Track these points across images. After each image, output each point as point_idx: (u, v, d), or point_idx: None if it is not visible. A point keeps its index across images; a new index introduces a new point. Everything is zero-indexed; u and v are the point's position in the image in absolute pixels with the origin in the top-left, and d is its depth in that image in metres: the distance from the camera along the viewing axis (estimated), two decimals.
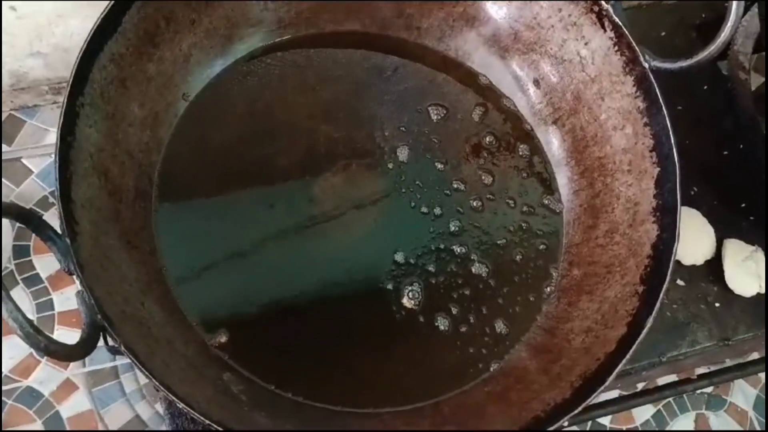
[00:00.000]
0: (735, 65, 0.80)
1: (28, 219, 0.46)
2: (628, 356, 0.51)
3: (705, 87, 0.79)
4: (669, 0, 0.81)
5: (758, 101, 0.80)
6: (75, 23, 0.86)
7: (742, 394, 0.99)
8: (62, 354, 0.41)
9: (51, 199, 0.93)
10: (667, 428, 0.97)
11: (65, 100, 0.51)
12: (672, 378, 0.84)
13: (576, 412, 0.49)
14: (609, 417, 0.95)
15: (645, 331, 0.51)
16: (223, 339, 0.55)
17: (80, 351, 0.43)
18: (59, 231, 0.49)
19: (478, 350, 0.58)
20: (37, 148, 0.96)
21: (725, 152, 0.77)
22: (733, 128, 0.78)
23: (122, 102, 0.57)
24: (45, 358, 0.87)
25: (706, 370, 0.79)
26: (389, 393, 0.56)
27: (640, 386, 0.89)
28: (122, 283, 0.52)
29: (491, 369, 0.58)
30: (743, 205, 0.75)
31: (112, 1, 0.54)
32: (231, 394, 0.52)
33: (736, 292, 0.70)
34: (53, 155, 0.95)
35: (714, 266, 0.72)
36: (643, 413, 0.97)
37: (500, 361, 0.58)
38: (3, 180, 0.93)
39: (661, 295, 0.52)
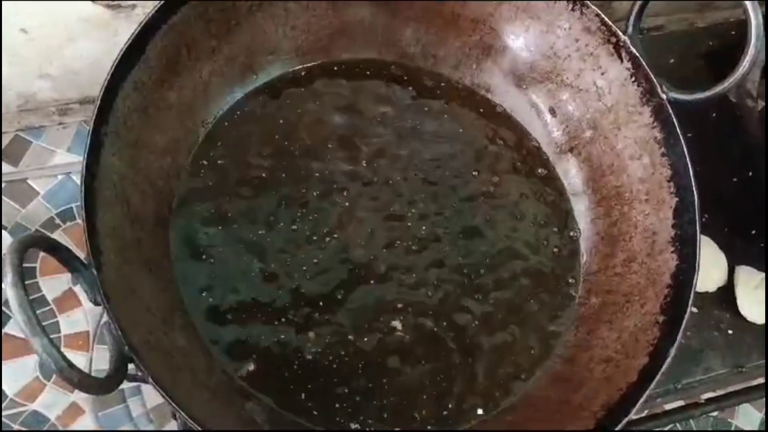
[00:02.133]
0: (743, 93, 0.81)
1: (56, 250, 0.45)
2: (651, 386, 0.51)
3: (714, 114, 0.80)
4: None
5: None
6: (85, 46, 0.86)
7: (748, 418, 1.00)
8: (95, 388, 0.41)
9: (57, 221, 0.93)
10: None
11: (91, 130, 0.51)
12: (679, 402, 0.84)
13: None
14: None
15: (668, 361, 0.52)
16: (251, 368, 0.55)
17: (112, 383, 0.43)
18: (84, 261, 0.48)
19: (498, 380, 0.58)
20: (43, 169, 0.96)
21: (734, 179, 0.78)
22: (742, 155, 0.79)
23: (144, 130, 0.57)
24: (51, 381, 0.87)
25: (713, 394, 0.79)
26: (409, 424, 0.56)
27: (646, 411, 0.89)
28: (146, 313, 0.52)
29: (512, 399, 0.58)
30: (753, 231, 0.75)
31: (137, 30, 0.54)
32: (254, 424, 0.52)
33: (748, 320, 0.71)
34: (60, 176, 0.96)
35: (726, 293, 0.72)
36: None
37: (521, 390, 0.58)
38: (9, 201, 0.93)
39: (683, 325, 0.53)
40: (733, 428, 0.99)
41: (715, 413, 0.96)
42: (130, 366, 0.48)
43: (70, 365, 0.39)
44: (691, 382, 0.68)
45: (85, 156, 0.50)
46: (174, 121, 0.60)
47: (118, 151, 0.54)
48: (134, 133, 0.56)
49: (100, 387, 0.41)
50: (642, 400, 0.50)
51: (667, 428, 0.96)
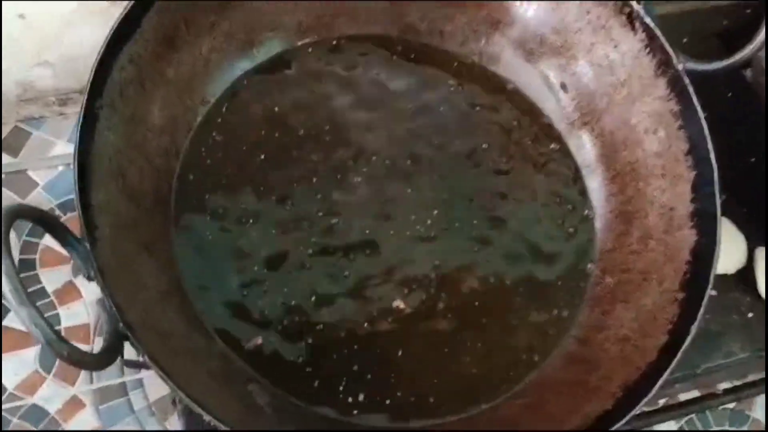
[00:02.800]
0: (758, 72, 0.79)
1: (48, 222, 0.44)
2: (673, 364, 0.48)
3: (729, 94, 0.78)
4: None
5: None
6: (84, 32, 0.85)
7: (764, 409, 0.97)
8: (86, 363, 0.39)
9: (57, 212, 0.91)
10: None
11: (84, 101, 0.49)
12: (694, 393, 0.81)
13: (621, 424, 0.47)
14: None
15: (689, 339, 0.49)
16: (259, 341, 0.53)
17: (104, 359, 0.41)
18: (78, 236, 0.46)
19: (510, 362, 0.56)
20: (43, 160, 0.94)
21: (752, 159, 0.75)
22: (758, 134, 0.77)
23: (141, 105, 0.55)
24: (51, 374, 0.85)
25: (730, 385, 0.77)
26: (418, 408, 0.54)
27: (662, 402, 0.87)
28: (142, 291, 0.50)
29: (525, 381, 0.55)
30: None
31: (131, 3, 0.52)
32: (257, 408, 0.50)
33: None
34: (60, 167, 0.95)
35: (746, 275, 0.70)
36: (665, 427, 0.95)
37: (534, 372, 0.56)
38: (9, 193, 0.91)
39: (705, 301, 0.50)
40: (750, 422, 0.96)
41: (732, 404, 0.94)
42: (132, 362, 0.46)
43: (60, 338, 0.37)
44: (711, 367, 0.66)
45: (79, 128, 0.48)
46: (172, 98, 0.58)
47: (114, 126, 0.52)
48: (130, 108, 0.54)
49: (92, 362, 0.39)
50: (662, 378, 0.48)
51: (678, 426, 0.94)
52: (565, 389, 0.54)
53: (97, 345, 0.87)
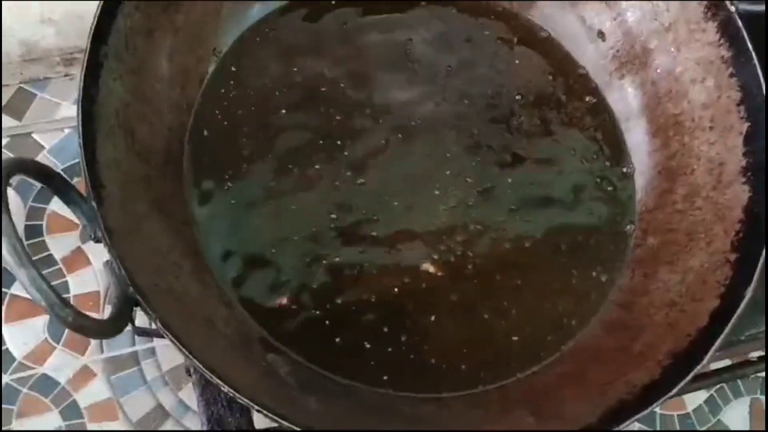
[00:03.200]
0: None
1: (50, 178, 0.40)
2: (727, 330, 0.45)
3: None
4: None
5: None
6: None
7: None
8: (93, 330, 0.36)
9: (64, 176, 0.88)
10: (721, 414, 0.91)
11: (87, 47, 0.45)
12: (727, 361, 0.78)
13: (671, 394, 0.43)
14: None
15: (745, 301, 0.46)
16: (284, 301, 0.50)
17: (112, 327, 0.37)
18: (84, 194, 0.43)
19: (546, 329, 0.53)
20: (49, 123, 0.91)
21: None
22: None
23: (149, 55, 0.51)
24: (60, 343, 0.82)
25: (764, 353, 0.73)
26: (450, 376, 0.50)
27: None
28: (155, 254, 0.46)
29: (562, 349, 0.52)
30: None
31: None
32: (277, 377, 0.47)
33: None
34: (66, 129, 0.91)
35: None
36: (695, 398, 0.92)
37: (571, 340, 0.52)
38: (14, 157, 0.88)
39: (761, 262, 0.47)
40: None
41: (762, 373, 0.91)
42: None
43: (64, 302, 0.33)
44: (755, 333, 0.62)
45: (82, 77, 0.44)
46: (183, 48, 0.54)
47: (121, 77, 0.48)
48: (138, 58, 0.50)
49: (99, 329, 0.36)
50: (716, 345, 0.44)
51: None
52: (606, 357, 0.50)
53: (107, 313, 0.84)
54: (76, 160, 0.90)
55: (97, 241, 0.42)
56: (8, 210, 0.33)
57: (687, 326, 0.48)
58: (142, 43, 0.51)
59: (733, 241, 0.50)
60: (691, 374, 0.44)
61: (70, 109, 0.93)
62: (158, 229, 0.48)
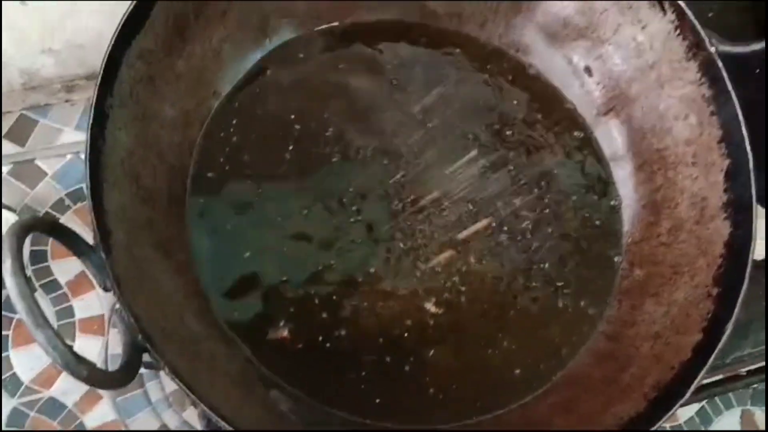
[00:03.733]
0: None
1: (60, 232, 0.42)
2: (708, 365, 0.47)
3: (757, 71, 0.75)
4: None
5: None
6: (88, 18, 0.82)
7: None
8: (106, 382, 0.38)
9: (67, 202, 0.90)
10: (713, 425, 0.93)
11: (94, 101, 0.47)
12: (719, 375, 0.80)
13: (655, 427, 0.45)
14: None
15: (725, 337, 0.48)
16: (285, 333, 0.52)
17: (125, 376, 0.39)
18: (92, 243, 0.45)
19: (536, 359, 0.55)
20: (51, 149, 0.93)
21: None
22: None
23: (152, 102, 0.53)
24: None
25: (754, 367, 0.75)
26: (446, 408, 0.53)
27: None
28: (160, 297, 0.48)
29: (554, 378, 0.54)
30: None
31: None
32: (279, 413, 0.49)
33: None
34: (67, 156, 0.93)
35: None
36: (687, 410, 0.94)
37: (562, 370, 0.54)
38: (17, 183, 0.90)
39: (741, 298, 0.49)
40: None
41: (755, 385, 0.93)
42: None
43: (78, 358, 0.35)
44: (740, 356, 0.64)
45: (89, 130, 0.46)
46: (184, 92, 0.56)
47: (125, 125, 0.50)
48: (141, 105, 0.52)
49: (113, 380, 0.38)
50: (698, 380, 0.47)
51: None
52: (596, 388, 0.52)
53: (111, 336, 0.86)
54: (79, 185, 0.91)
55: (106, 290, 0.43)
56: (24, 272, 0.35)
57: (671, 359, 0.50)
58: (144, 90, 0.52)
59: (715, 276, 0.52)
60: (675, 408, 0.46)
61: (71, 135, 0.94)
62: (162, 271, 0.50)
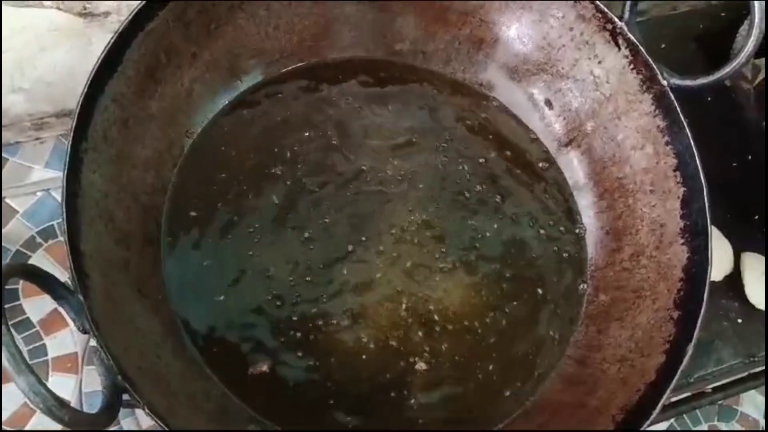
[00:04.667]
0: (738, 75, 0.79)
1: (38, 277, 0.43)
2: (671, 386, 0.49)
3: (709, 99, 0.78)
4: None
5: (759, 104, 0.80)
6: (58, 56, 0.83)
7: (753, 403, 0.98)
8: (87, 424, 0.38)
9: (38, 239, 0.89)
10: None
11: (69, 147, 0.48)
12: (686, 393, 0.82)
13: None
14: None
15: (686, 358, 0.50)
16: (265, 368, 0.53)
17: (106, 418, 0.40)
18: (69, 285, 0.45)
19: (507, 387, 0.56)
20: (21, 187, 0.92)
21: (734, 164, 0.76)
22: (739, 139, 0.77)
23: (125, 143, 0.54)
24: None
25: (720, 383, 0.78)
26: None
27: None
28: (137, 337, 0.49)
29: (526, 404, 0.55)
30: (757, 217, 0.74)
31: (113, 39, 0.51)
32: None
33: (757, 307, 0.69)
34: (39, 193, 0.93)
35: (733, 282, 0.70)
36: (656, 428, 0.96)
37: (533, 396, 0.56)
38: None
39: (700, 320, 0.51)
40: (738, 416, 0.98)
41: (721, 401, 0.95)
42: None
43: (60, 403, 0.36)
44: (703, 375, 0.66)
45: (64, 176, 0.47)
46: (156, 133, 0.57)
47: (99, 168, 0.51)
48: (115, 148, 0.53)
49: (93, 423, 0.38)
50: (662, 400, 0.48)
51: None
52: (566, 412, 0.54)
53: (85, 374, 0.86)
54: (50, 223, 0.91)
55: (85, 332, 0.44)
56: (6, 320, 0.36)
57: (637, 381, 0.52)
58: (118, 133, 0.53)
59: (675, 299, 0.54)
60: (642, 428, 0.47)
61: (41, 173, 0.94)
62: (139, 310, 0.51)
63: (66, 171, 0.47)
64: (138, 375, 0.45)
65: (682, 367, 0.50)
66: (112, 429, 0.83)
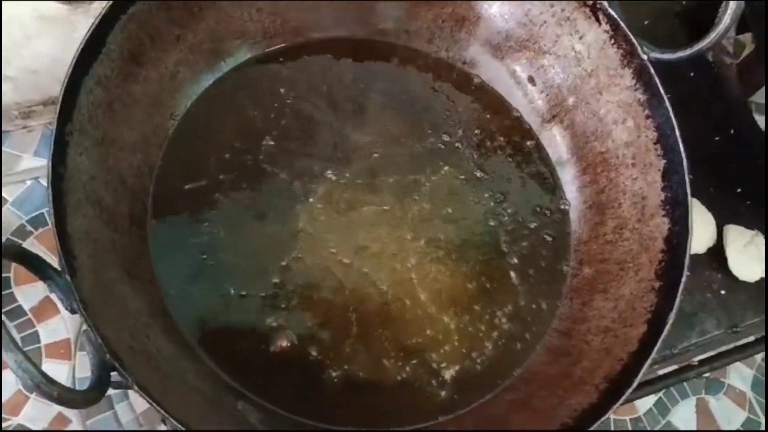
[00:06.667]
0: (720, 50, 0.80)
1: (28, 260, 0.43)
2: (653, 354, 0.50)
3: (692, 74, 0.79)
4: None
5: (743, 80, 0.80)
6: (43, 44, 0.83)
7: (739, 375, 1.00)
8: (78, 401, 0.39)
9: (29, 227, 0.90)
10: (670, 415, 0.97)
11: (54, 129, 0.48)
12: (673, 366, 0.84)
13: (606, 416, 0.48)
14: None
15: (667, 327, 0.51)
16: (285, 343, 0.54)
17: (95, 395, 0.41)
18: (58, 268, 0.46)
19: (494, 358, 0.57)
20: (11, 176, 0.93)
21: (717, 138, 0.77)
22: (722, 113, 0.78)
23: (111, 126, 0.54)
24: (34, 393, 0.84)
25: (706, 356, 0.79)
26: (409, 411, 0.54)
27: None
28: (126, 317, 0.50)
29: (514, 374, 0.56)
30: (739, 190, 0.75)
31: (96, 22, 0.51)
32: (249, 425, 0.50)
33: (740, 279, 0.70)
34: (27, 182, 0.93)
35: (716, 254, 0.71)
36: (645, 402, 0.97)
37: (519, 367, 0.57)
38: None
39: (680, 290, 0.52)
40: (725, 389, 0.99)
41: (708, 374, 0.97)
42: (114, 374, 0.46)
43: (49, 380, 0.37)
44: (687, 346, 0.67)
45: (50, 158, 0.47)
46: (142, 116, 0.57)
47: (85, 150, 0.51)
48: (101, 131, 0.53)
49: (82, 400, 0.39)
50: (644, 369, 0.49)
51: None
52: (551, 383, 0.55)
53: (78, 360, 0.86)
54: (40, 211, 0.91)
55: (73, 312, 0.45)
56: None
57: (620, 351, 0.53)
58: (104, 116, 0.54)
59: (656, 270, 0.55)
60: (624, 397, 0.48)
61: (30, 161, 0.94)
62: (128, 291, 0.51)
63: (52, 153, 0.47)
64: (128, 354, 0.46)
65: (663, 336, 0.50)
66: (107, 413, 0.84)
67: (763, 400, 0.98)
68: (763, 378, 0.99)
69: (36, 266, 0.44)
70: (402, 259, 0.59)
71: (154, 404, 0.43)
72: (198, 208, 0.58)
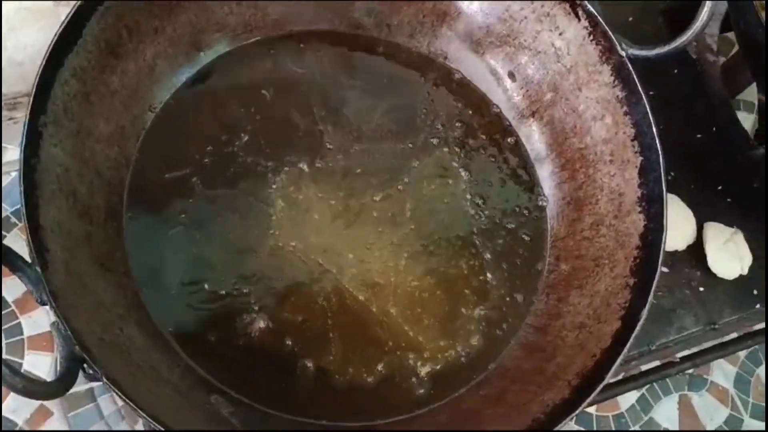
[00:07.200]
0: (703, 48, 0.80)
1: None
2: (625, 351, 0.50)
3: (675, 71, 0.79)
4: None
5: (726, 78, 0.81)
6: (27, 36, 0.83)
7: (722, 372, 1.00)
8: (42, 393, 0.39)
9: (13, 219, 0.90)
10: (652, 411, 0.97)
11: (27, 120, 0.48)
12: (655, 362, 0.84)
13: (577, 412, 0.48)
14: (594, 405, 0.95)
15: (640, 324, 0.51)
16: (262, 324, 0.55)
17: (61, 387, 0.40)
18: (29, 259, 0.46)
19: (469, 353, 0.57)
20: None
21: (699, 135, 0.77)
22: (704, 111, 0.78)
23: (87, 118, 0.54)
24: None
25: (688, 352, 0.79)
26: (382, 404, 0.55)
27: (622, 374, 0.89)
28: (99, 310, 0.50)
29: (486, 371, 0.56)
30: (720, 187, 0.75)
31: (71, 13, 0.51)
32: (221, 419, 0.50)
33: (719, 276, 0.70)
34: (12, 173, 0.93)
35: (696, 251, 0.72)
36: (628, 398, 0.98)
37: (494, 362, 0.57)
38: None
39: (654, 287, 0.52)
40: (708, 385, 0.99)
41: (690, 371, 0.97)
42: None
43: (13, 371, 0.37)
44: (665, 342, 0.67)
45: (23, 149, 0.47)
46: (119, 108, 0.57)
47: (60, 142, 0.51)
48: (76, 122, 0.53)
49: (48, 392, 0.39)
50: (616, 365, 0.49)
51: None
52: (525, 378, 0.55)
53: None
54: None
55: (43, 303, 0.45)
56: None
57: (593, 347, 0.53)
58: (79, 107, 0.53)
59: (631, 267, 0.55)
60: (594, 392, 0.49)
61: (15, 153, 0.94)
62: (102, 284, 0.51)
63: (23, 144, 0.47)
64: (98, 346, 0.46)
65: (635, 333, 0.51)
66: (89, 405, 0.84)
67: (746, 397, 0.98)
68: (746, 375, 1.00)
69: (6, 258, 0.43)
70: (378, 254, 0.59)
71: (123, 397, 0.43)
72: (174, 201, 0.58)
